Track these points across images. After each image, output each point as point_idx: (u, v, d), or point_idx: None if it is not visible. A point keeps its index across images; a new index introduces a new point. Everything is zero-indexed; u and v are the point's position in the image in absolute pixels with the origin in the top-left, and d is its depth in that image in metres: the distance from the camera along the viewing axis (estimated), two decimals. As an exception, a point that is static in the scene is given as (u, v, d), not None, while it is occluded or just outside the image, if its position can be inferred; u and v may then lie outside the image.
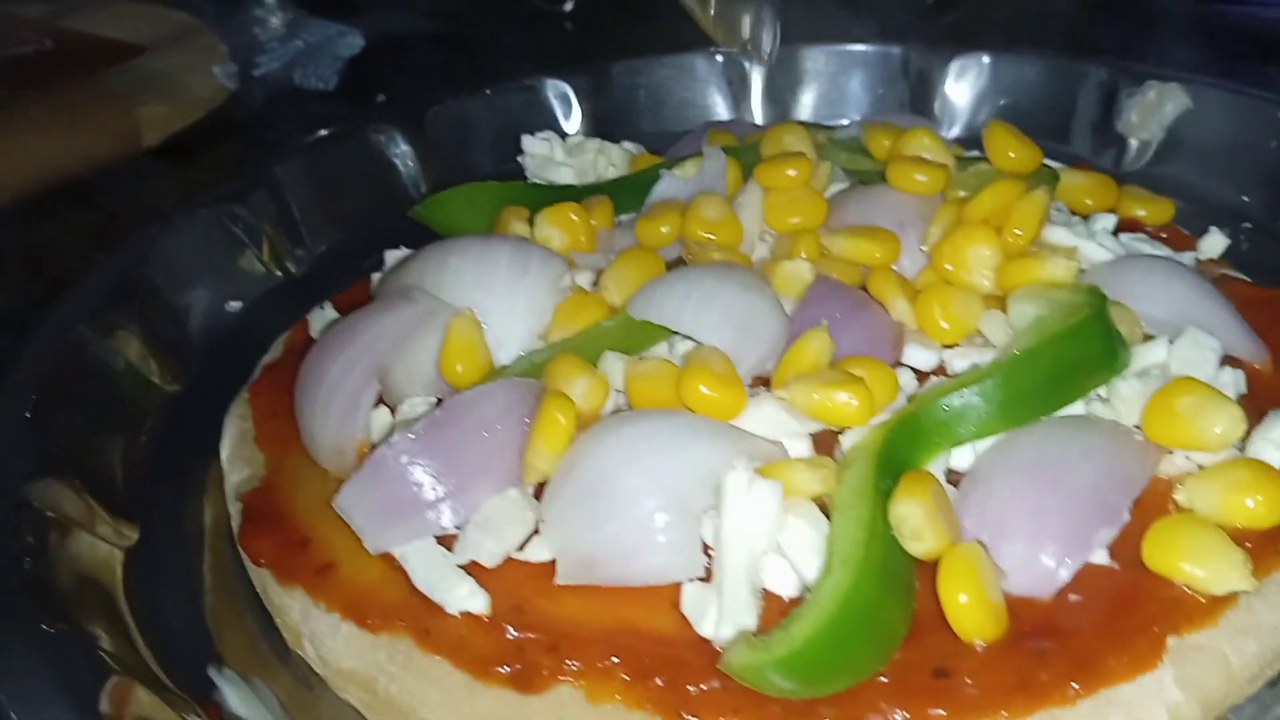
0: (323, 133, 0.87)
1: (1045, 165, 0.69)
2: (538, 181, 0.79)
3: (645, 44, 1.40)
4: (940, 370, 0.59)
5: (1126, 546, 0.47)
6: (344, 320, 0.59)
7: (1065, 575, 0.46)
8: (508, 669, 0.46)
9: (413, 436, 0.50)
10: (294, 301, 0.74)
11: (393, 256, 0.70)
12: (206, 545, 0.59)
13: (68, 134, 1.03)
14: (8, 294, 0.88)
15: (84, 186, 1.01)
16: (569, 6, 1.45)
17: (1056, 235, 0.63)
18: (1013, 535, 0.46)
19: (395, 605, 0.48)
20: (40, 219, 0.98)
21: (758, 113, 0.98)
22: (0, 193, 0.97)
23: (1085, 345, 0.52)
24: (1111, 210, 0.71)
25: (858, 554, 0.43)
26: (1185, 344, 0.54)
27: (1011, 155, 0.67)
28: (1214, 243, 0.70)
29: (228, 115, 1.14)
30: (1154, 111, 0.84)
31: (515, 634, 0.47)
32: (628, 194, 0.73)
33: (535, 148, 0.80)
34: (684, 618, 0.46)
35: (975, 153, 0.74)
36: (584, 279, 0.65)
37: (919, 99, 0.95)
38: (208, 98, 1.13)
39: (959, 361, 0.58)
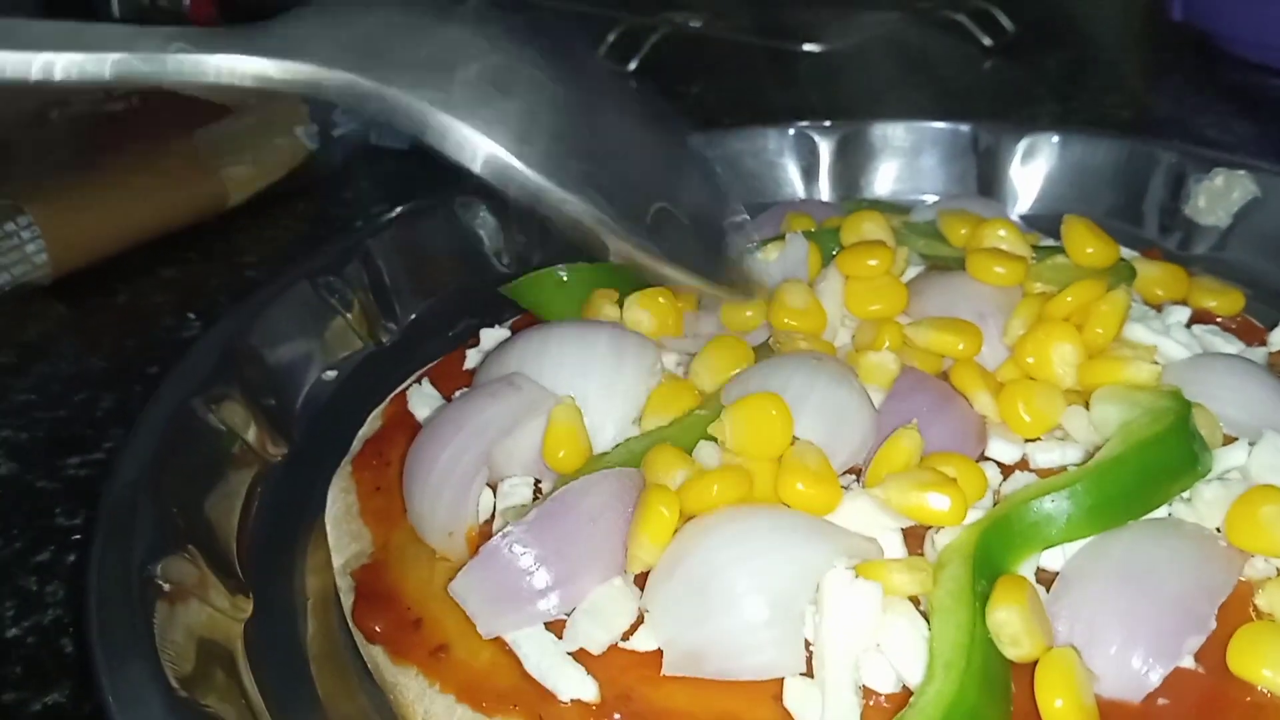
0: (407, 205, 0.90)
1: (1121, 259, 0.71)
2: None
3: (709, 103, 1.44)
4: (1023, 464, 0.61)
5: (1211, 651, 0.49)
6: (451, 406, 0.62)
7: (1155, 680, 0.48)
8: (618, 755, 0.48)
9: (525, 527, 0.53)
10: (386, 371, 0.78)
11: (489, 336, 0.73)
12: (311, 616, 0.62)
13: (157, 194, 1.07)
14: (106, 351, 0.92)
15: (171, 244, 1.06)
16: (633, 66, 1.48)
17: (1135, 332, 0.65)
18: (1105, 640, 0.48)
19: (509, 690, 0.51)
20: (130, 277, 1.02)
21: (825, 186, 1.00)
22: (88, 251, 1.01)
23: (1170, 452, 0.54)
24: (1183, 301, 0.73)
25: (960, 660, 0.45)
26: (1265, 449, 0.56)
27: (1090, 251, 0.69)
28: (1285, 336, 0.72)
29: (308, 174, 1.18)
30: (1222, 198, 0.86)
31: (624, 722, 0.49)
32: (711, 275, 0.75)
33: (620, 227, 0.82)
34: (786, 711, 0.49)
35: (1049, 241, 0.77)
36: (670, 361, 0.67)
37: (987, 176, 0.97)
38: (289, 157, 1.17)
39: (1041, 455, 0.61)
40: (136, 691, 0.49)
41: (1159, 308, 0.73)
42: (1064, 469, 0.60)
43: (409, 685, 0.53)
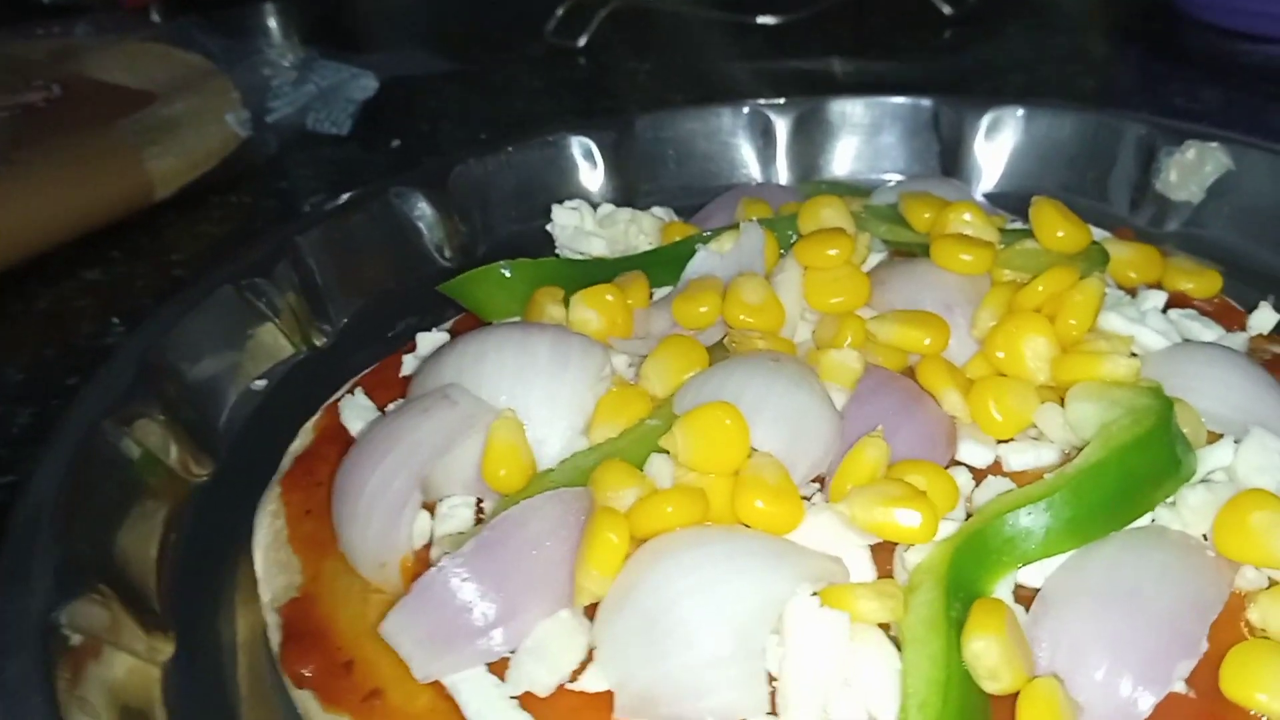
0: (344, 197, 0.85)
1: (1094, 243, 0.67)
2: (569, 254, 0.77)
3: (658, 79, 1.39)
4: (996, 467, 0.57)
5: (1203, 673, 0.46)
6: (382, 424, 0.57)
7: (1145, 708, 0.44)
8: (568, 810, 0.44)
9: (461, 559, 0.48)
10: (319, 378, 0.73)
11: (425, 340, 0.68)
12: (240, 654, 0.57)
13: (79, 189, 1.01)
14: (23, 361, 0.86)
15: (95, 242, 1.00)
16: (582, 42, 1.43)
17: (1110, 322, 0.62)
18: (1090, 667, 0.44)
19: (447, 739, 0.47)
20: (52, 278, 0.96)
21: (782, 167, 0.96)
22: (9, 251, 0.95)
23: (1154, 456, 0.50)
24: (1158, 284, 0.70)
25: (935, 699, 0.42)
26: (1251, 447, 0.53)
27: (1060, 235, 0.65)
28: (1265, 318, 0.68)
29: (240, 163, 1.12)
30: (1194, 171, 0.83)
31: (574, 772, 0.45)
32: (662, 267, 0.71)
33: (565, 218, 0.78)
34: (748, 755, 0.45)
35: (1017, 222, 0.73)
36: (621, 363, 0.63)
37: (949, 152, 0.93)
38: (220, 146, 1.11)
39: (1015, 457, 0.57)
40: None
41: (1133, 291, 0.69)
42: (1039, 471, 0.56)
43: (341, 734, 0.49)
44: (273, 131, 1.17)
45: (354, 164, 1.17)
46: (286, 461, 0.65)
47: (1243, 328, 0.68)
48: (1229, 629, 0.48)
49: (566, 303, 0.66)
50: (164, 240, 1.03)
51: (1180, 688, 0.45)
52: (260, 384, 0.73)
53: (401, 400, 0.62)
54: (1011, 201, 0.84)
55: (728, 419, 0.52)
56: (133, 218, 1.03)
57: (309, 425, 0.67)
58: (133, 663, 0.53)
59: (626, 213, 0.79)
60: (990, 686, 0.43)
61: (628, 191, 0.93)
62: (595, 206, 0.81)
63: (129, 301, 0.93)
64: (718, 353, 0.62)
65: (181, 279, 0.96)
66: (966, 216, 0.68)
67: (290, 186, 1.14)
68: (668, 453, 0.54)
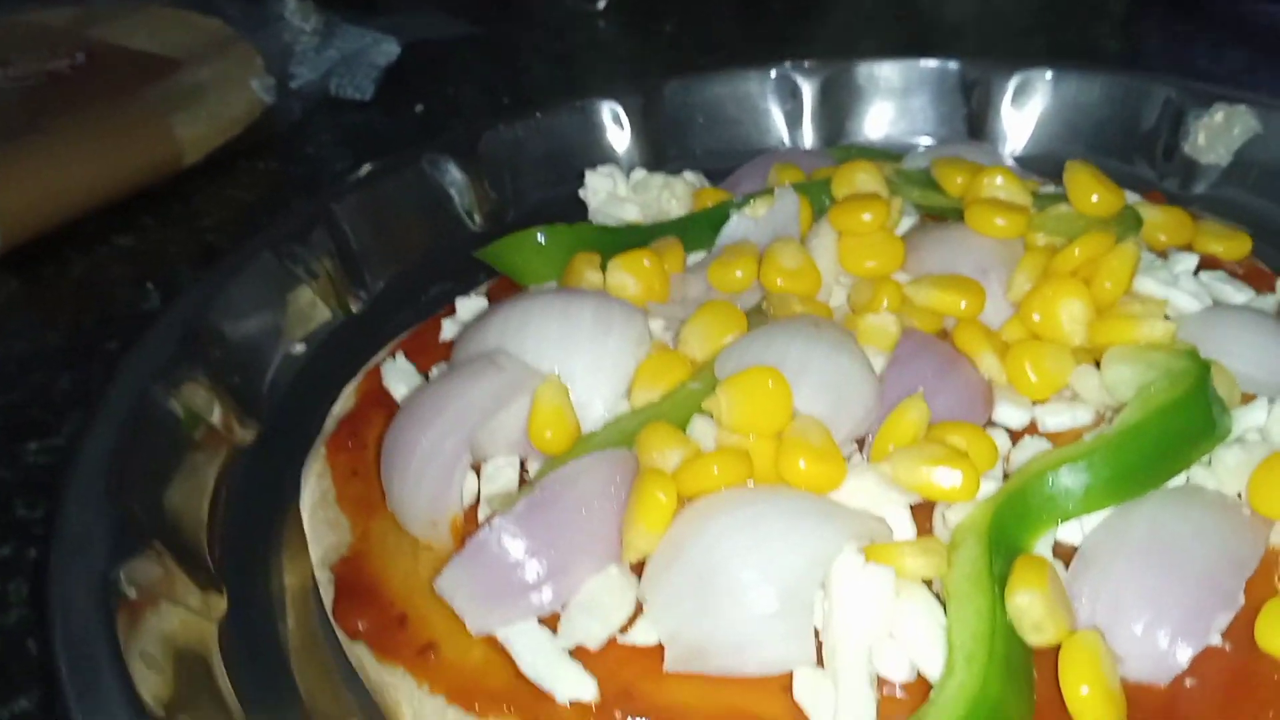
0: (371, 165, 0.85)
1: (1127, 207, 0.67)
2: (602, 219, 0.78)
3: (679, 41, 1.39)
4: (1032, 428, 0.58)
5: (1238, 627, 0.47)
6: (430, 387, 0.58)
7: (1183, 660, 0.45)
8: (621, 757, 0.46)
9: (513, 518, 0.49)
10: (357, 343, 0.74)
11: (466, 306, 0.69)
12: (290, 610, 0.59)
13: (109, 155, 1.01)
14: (62, 327, 0.87)
15: (125, 209, 1.01)
16: (601, 5, 1.43)
17: (1144, 285, 0.62)
18: (1130, 621, 0.46)
19: (502, 690, 0.48)
20: (85, 246, 0.97)
21: (808, 131, 0.96)
22: (40, 220, 0.96)
23: (1191, 416, 0.51)
24: (1188, 246, 0.71)
25: (981, 651, 0.43)
26: (1286, 408, 0.54)
27: (1094, 199, 0.66)
28: (1296, 282, 0.69)
29: (265, 129, 1.13)
30: (1222, 134, 0.83)
31: (626, 721, 0.46)
32: (696, 232, 0.72)
33: (598, 183, 0.79)
34: (796, 704, 0.46)
35: (1050, 186, 0.74)
36: (657, 327, 0.64)
37: (977, 115, 0.93)
38: (245, 112, 1.12)
39: (1051, 419, 0.58)
40: (108, 716, 0.45)
41: (1163, 254, 0.70)
42: (1075, 432, 0.57)
43: (397, 685, 0.50)
44: (296, 97, 1.17)
45: (378, 129, 1.17)
46: (330, 424, 0.66)
47: (1273, 290, 0.69)
48: (1263, 584, 0.49)
49: (603, 268, 0.67)
50: (194, 206, 1.03)
51: (1216, 640, 0.47)
52: (300, 348, 0.74)
53: (445, 365, 0.63)
54: (1038, 164, 0.84)
55: (771, 382, 0.53)
56: (161, 184, 1.04)
57: (350, 388, 0.68)
58: (189, 618, 0.54)
59: (659, 178, 0.79)
60: (1034, 639, 0.45)
61: (655, 156, 0.94)
62: (627, 172, 0.81)
63: (163, 267, 0.94)
64: (754, 317, 0.62)
65: (213, 245, 0.97)
66: (999, 181, 0.69)
67: (315, 152, 1.14)
68: (709, 415, 0.55)
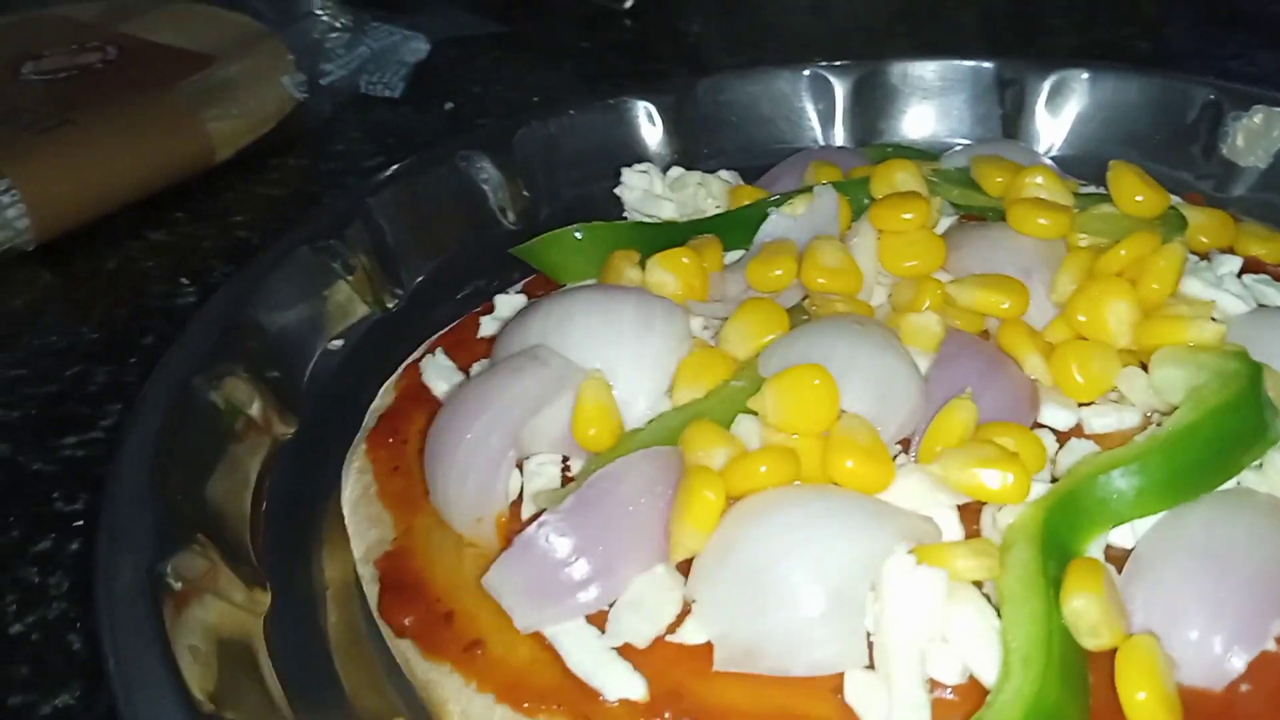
0: (406, 160, 0.85)
1: (1171, 208, 0.67)
2: (638, 216, 0.78)
3: (704, 41, 1.39)
4: (1078, 430, 0.58)
5: (1293, 631, 0.46)
6: (474, 383, 0.58)
7: (1239, 666, 0.45)
8: (671, 756, 0.45)
9: (561, 515, 0.49)
10: (394, 338, 0.74)
11: (505, 303, 0.69)
12: (332, 605, 0.59)
13: (141, 150, 1.02)
14: (96, 321, 0.88)
15: (158, 204, 1.01)
16: (629, 3, 1.43)
17: (1190, 286, 0.62)
18: (1185, 625, 0.45)
19: (550, 689, 0.48)
20: (117, 240, 0.97)
21: (840, 131, 0.96)
22: (72, 214, 0.97)
23: (1244, 418, 0.51)
24: (1230, 249, 0.70)
25: (1038, 654, 0.43)
26: (1337, 411, 0.53)
27: (1139, 199, 0.65)
28: (1338, 284, 0.68)
29: (295, 125, 1.13)
30: (1261, 137, 0.82)
31: (675, 721, 0.46)
32: (734, 231, 0.72)
33: (635, 181, 0.78)
34: (847, 706, 0.46)
35: (1091, 188, 0.73)
36: (697, 326, 0.64)
37: (1011, 116, 0.93)
38: (277, 109, 1.12)
39: (1097, 420, 0.57)
40: (157, 709, 0.45)
41: (1205, 256, 0.69)
42: (1122, 434, 0.57)
43: (443, 683, 0.50)
44: (327, 94, 1.18)
45: (408, 127, 1.17)
46: (370, 419, 0.66)
47: (1316, 294, 0.68)
48: (1318, 590, 0.48)
49: (641, 266, 0.67)
50: (225, 202, 1.04)
51: (1271, 645, 0.46)
52: (337, 344, 0.74)
53: (487, 361, 0.63)
54: (1074, 165, 0.84)
55: (818, 380, 0.53)
56: (194, 180, 1.04)
57: (389, 384, 0.68)
58: (234, 612, 0.54)
59: (695, 176, 0.79)
60: (1090, 643, 0.44)
61: (688, 155, 0.94)
62: (664, 170, 0.81)
63: (196, 262, 0.94)
64: (796, 316, 0.62)
65: (245, 240, 0.97)
66: (1040, 180, 0.69)
67: (346, 149, 1.14)
68: (754, 414, 0.55)
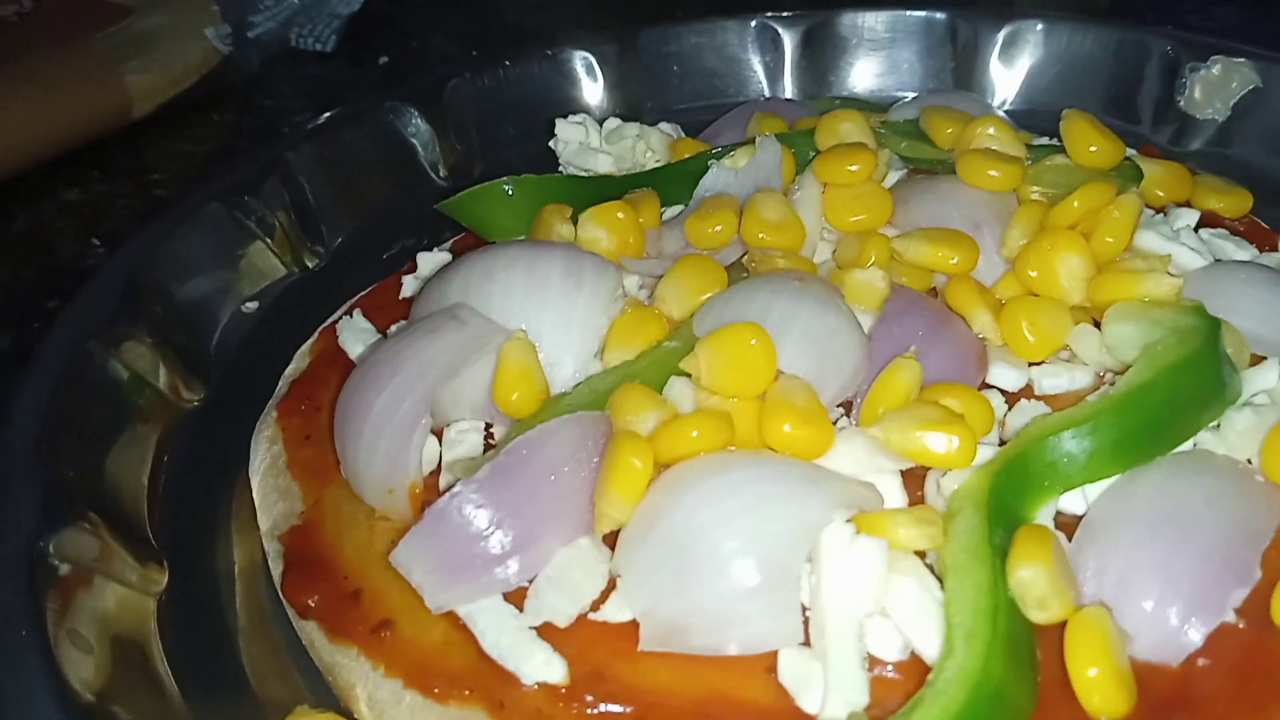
0: (330, 113, 0.81)
1: (1127, 159, 0.64)
2: (573, 171, 0.74)
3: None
4: (1028, 390, 0.55)
5: (1253, 602, 0.44)
6: (386, 345, 0.54)
7: (1197, 639, 0.42)
8: (593, 745, 0.42)
9: (476, 485, 0.46)
10: (313, 301, 0.70)
11: (427, 260, 0.65)
12: (238, 584, 0.55)
13: (55, 106, 0.96)
14: (1, 283, 0.83)
15: (73, 162, 0.96)
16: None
17: (1146, 240, 0.59)
18: (1139, 596, 0.43)
19: (464, 672, 0.45)
20: (29, 200, 0.92)
21: (789, 83, 0.92)
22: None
23: (1201, 377, 0.48)
24: (1186, 202, 0.67)
25: (983, 629, 0.40)
26: (1298, 369, 0.51)
27: (1093, 149, 0.62)
28: (1298, 238, 0.66)
29: (221, 80, 1.08)
30: (1220, 89, 0.80)
31: (598, 705, 0.43)
32: (673, 185, 0.68)
33: (569, 133, 0.74)
34: (781, 686, 0.43)
35: (1043, 139, 0.70)
36: (632, 284, 0.60)
37: (964, 68, 0.90)
38: (200, 62, 1.07)
39: (1048, 380, 0.55)
40: (29, 700, 0.41)
41: (1162, 210, 0.67)
42: (1073, 395, 0.54)
43: (349, 666, 0.47)
44: (255, 47, 1.12)
45: (340, 82, 1.12)
46: (282, 386, 0.62)
47: (1274, 248, 0.66)
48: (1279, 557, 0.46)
49: (574, 221, 0.63)
50: (144, 159, 0.98)
51: (1230, 617, 0.44)
52: (251, 306, 0.70)
53: (404, 322, 0.59)
54: (1027, 119, 0.80)
55: (754, 339, 0.49)
56: (111, 136, 0.99)
57: (305, 348, 0.64)
58: (125, 593, 0.51)
59: (634, 128, 0.75)
60: (1037, 616, 0.42)
61: (631, 108, 0.90)
62: (600, 122, 0.77)
63: (110, 222, 0.89)
64: (736, 274, 0.59)
65: (164, 199, 0.92)
66: (991, 131, 0.65)
67: (274, 105, 1.09)
68: (688, 375, 0.51)
